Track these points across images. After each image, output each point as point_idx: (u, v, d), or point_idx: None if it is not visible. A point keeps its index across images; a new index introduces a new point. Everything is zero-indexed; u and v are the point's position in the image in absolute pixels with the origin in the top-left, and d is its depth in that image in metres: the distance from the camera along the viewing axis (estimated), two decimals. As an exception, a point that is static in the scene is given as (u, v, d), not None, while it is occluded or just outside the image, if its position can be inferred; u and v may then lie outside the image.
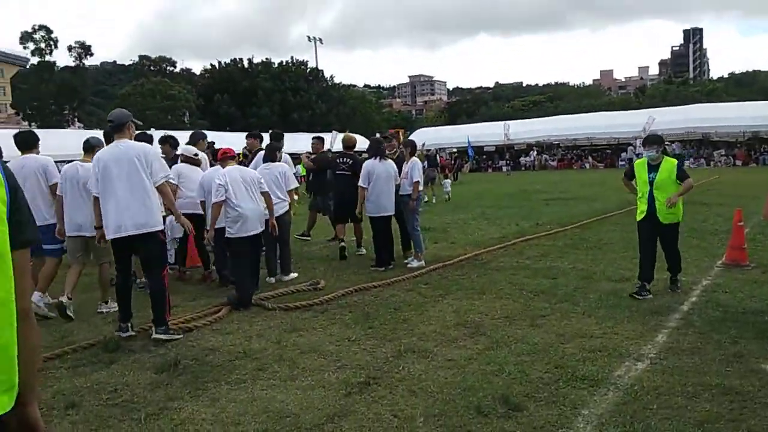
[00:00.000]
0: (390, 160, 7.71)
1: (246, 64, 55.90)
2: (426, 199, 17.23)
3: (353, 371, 4.01)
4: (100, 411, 3.50)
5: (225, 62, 56.87)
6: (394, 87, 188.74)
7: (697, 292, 5.81)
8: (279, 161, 7.35)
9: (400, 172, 7.70)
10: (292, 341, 4.69)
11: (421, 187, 7.77)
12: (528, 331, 4.77)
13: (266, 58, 56.61)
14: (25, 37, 54.18)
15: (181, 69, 67.36)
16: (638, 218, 5.89)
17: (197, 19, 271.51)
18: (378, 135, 9.55)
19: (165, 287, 4.99)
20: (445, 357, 4.23)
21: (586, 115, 44.25)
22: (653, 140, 5.87)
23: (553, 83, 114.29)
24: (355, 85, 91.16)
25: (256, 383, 3.87)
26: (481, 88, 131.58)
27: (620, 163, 36.11)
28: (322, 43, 65.55)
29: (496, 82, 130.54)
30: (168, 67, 65.48)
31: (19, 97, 57.60)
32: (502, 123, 41.04)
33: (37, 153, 6.35)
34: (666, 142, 7.33)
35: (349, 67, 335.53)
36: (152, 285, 5.03)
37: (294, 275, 7.12)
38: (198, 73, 66.15)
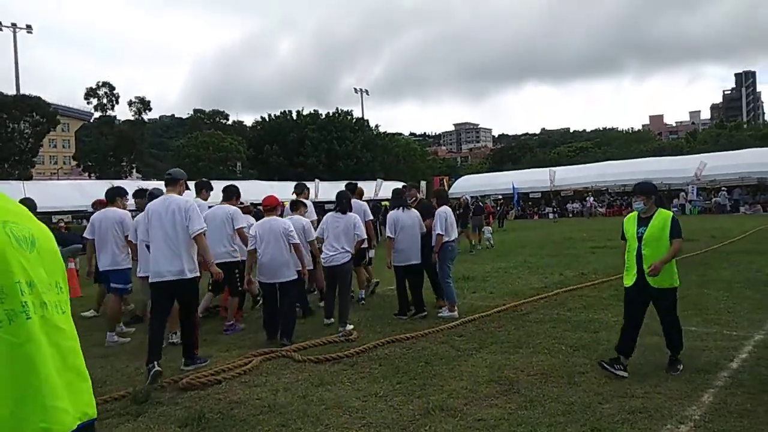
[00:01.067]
0: (414, 210, 7.77)
1: (294, 115, 57.63)
2: (473, 247, 17.10)
3: (377, 430, 3.87)
4: (120, 466, 3.47)
5: (275, 114, 58.80)
6: (440, 135, 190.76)
7: (749, 348, 5.43)
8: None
9: (425, 220, 7.73)
10: (318, 396, 4.59)
11: (449, 238, 7.66)
12: (565, 389, 4.53)
13: (314, 110, 58.22)
14: (90, 94, 57.59)
15: (234, 121, 70.06)
16: (625, 282, 5.00)
17: (252, 74, 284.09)
18: (402, 185, 9.56)
19: (196, 326, 5.67)
20: (474, 417, 4.04)
21: (636, 160, 43.36)
22: (641, 189, 5.02)
23: (600, 129, 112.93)
24: (400, 134, 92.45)
25: (277, 440, 3.79)
26: (527, 134, 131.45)
27: (672, 209, 35.02)
28: (368, 94, 67.15)
29: (543, 129, 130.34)
30: (221, 120, 68.23)
31: (82, 149, 60.84)
32: (547, 169, 40.67)
33: (121, 206, 7.43)
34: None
35: (395, 116, 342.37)
36: (183, 325, 5.62)
37: (350, 327, 6.76)
38: (249, 125, 68.61)
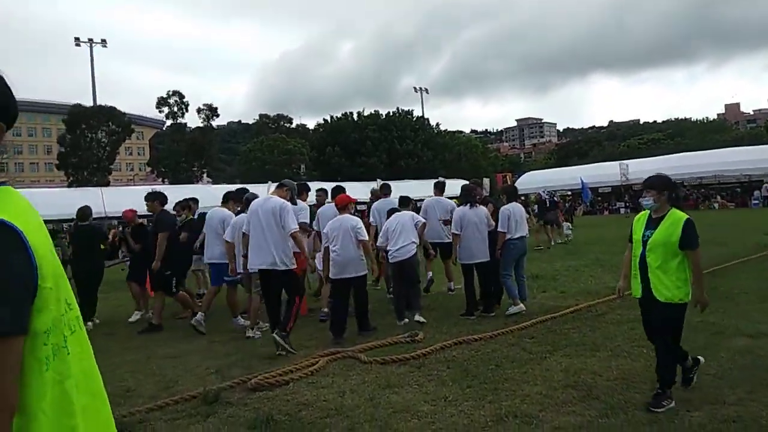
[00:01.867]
0: (482, 207, 7.71)
1: (355, 116, 58.11)
2: (549, 243, 16.68)
3: (448, 436, 3.72)
4: (190, 468, 3.48)
5: (336, 116, 59.49)
6: (501, 131, 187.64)
7: None
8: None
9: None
10: (386, 399, 4.48)
11: (513, 235, 7.51)
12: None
13: (374, 110, 58.50)
14: (161, 102, 60.12)
15: (297, 125, 71.41)
16: (634, 293, 4.36)
17: (314, 78, 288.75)
18: (468, 182, 9.54)
19: (297, 306, 6.21)
20: (551, 424, 3.82)
21: (712, 151, 41.02)
22: (651, 183, 4.19)
23: (673, 119, 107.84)
24: (461, 132, 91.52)
25: (345, 445, 3.70)
26: (593, 128, 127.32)
27: (753, 202, 32.89)
28: (428, 92, 66.93)
29: (611, 121, 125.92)
30: (285, 124, 69.75)
31: (155, 156, 63.64)
32: (617, 163, 39.11)
33: (232, 208, 8.12)
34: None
35: (456, 114, 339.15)
36: (288, 301, 6.26)
37: (422, 318, 7.23)
38: (312, 127, 69.78)
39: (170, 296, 8.09)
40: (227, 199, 8.42)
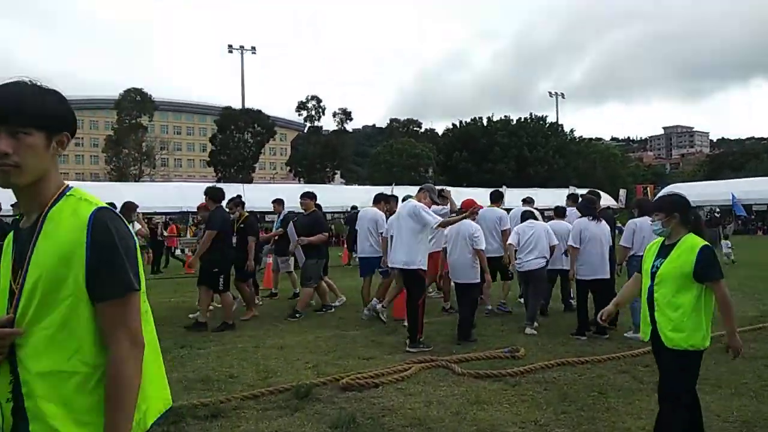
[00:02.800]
0: (603, 222, 7.29)
1: (485, 121, 57.36)
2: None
3: (530, 462, 3.51)
4: (269, 459, 3.59)
5: (465, 121, 59.14)
6: (646, 139, 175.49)
7: None
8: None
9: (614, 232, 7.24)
10: (472, 415, 4.33)
11: (638, 252, 6.93)
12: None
13: (505, 116, 57.34)
14: (300, 106, 63.58)
15: (426, 129, 72.04)
16: (642, 336, 3.69)
17: (449, 83, 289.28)
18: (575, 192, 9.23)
19: (418, 309, 6.45)
20: (648, 464, 3.46)
21: None
22: (659, 204, 3.59)
23: None
24: (600, 139, 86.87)
25: (421, 457, 3.62)
26: (752, 138, 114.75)
27: None
28: (563, 97, 64.41)
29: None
30: (414, 128, 70.65)
31: (294, 157, 67.36)
32: (777, 178, 34.90)
33: (382, 208, 9.03)
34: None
35: (595, 120, 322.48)
36: (407, 309, 6.68)
37: (533, 332, 7.25)
38: (441, 132, 70.00)
39: (217, 293, 8.11)
40: (378, 200, 9.38)
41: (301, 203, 9.22)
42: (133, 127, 58.75)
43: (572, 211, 8.86)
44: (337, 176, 69.51)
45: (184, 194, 34.96)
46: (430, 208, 6.80)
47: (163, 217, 32.80)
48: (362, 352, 6.32)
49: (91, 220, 1.45)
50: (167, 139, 79.11)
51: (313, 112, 63.73)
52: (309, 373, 5.50)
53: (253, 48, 58.39)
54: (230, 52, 58.07)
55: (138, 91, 59.07)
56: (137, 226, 9.53)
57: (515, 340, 6.77)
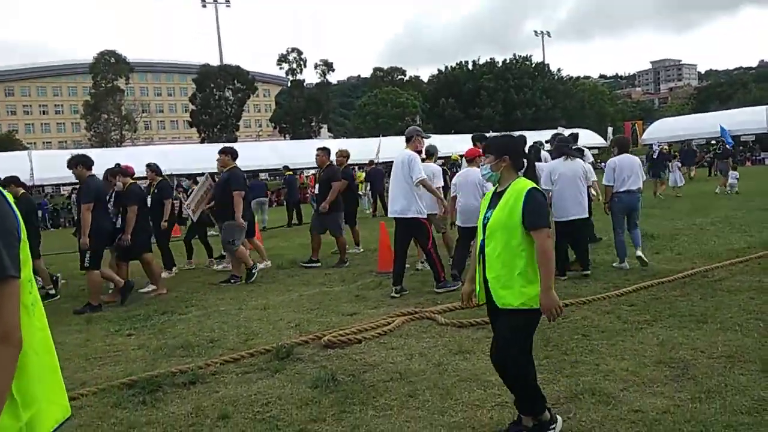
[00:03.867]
0: (578, 160, 7.19)
1: (470, 65, 56.37)
2: (657, 197, 15.43)
3: (512, 410, 3.44)
4: (246, 426, 3.51)
5: (451, 66, 58.09)
6: (634, 75, 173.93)
7: None
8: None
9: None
10: (454, 365, 4.27)
11: (619, 189, 7.17)
12: (757, 378, 3.64)
13: (490, 58, 56.32)
14: (281, 59, 62.11)
15: (411, 77, 70.80)
16: (479, 298, 3.22)
17: (435, 26, 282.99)
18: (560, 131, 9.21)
19: (431, 254, 6.72)
20: (631, 406, 3.40)
21: None
22: (486, 145, 3.29)
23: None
24: (588, 77, 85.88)
25: (401, 412, 3.55)
26: (740, 68, 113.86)
27: None
28: (549, 36, 63.38)
29: (761, 60, 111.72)
30: (399, 77, 69.41)
31: (277, 113, 66.29)
32: (764, 108, 34.69)
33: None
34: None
35: (582, 58, 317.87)
36: (424, 254, 7.03)
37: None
38: (426, 79, 68.87)
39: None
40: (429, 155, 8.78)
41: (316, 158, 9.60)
42: (110, 90, 57.41)
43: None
44: (324, 130, 68.67)
45: (168, 157, 34.45)
46: (421, 155, 7.11)
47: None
48: (346, 308, 6.24)
49: None
50: (147, 101, 77.47)
51: (295, 65, 62.36)
52: (291, 333, 5.42)
53: (227, 0, 56.51)
54: (204, 6, 56.22)
55: (112, 53, 57.45)
56: None
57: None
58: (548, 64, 58.46)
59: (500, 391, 3.75)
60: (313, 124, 63.48)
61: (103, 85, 57.30)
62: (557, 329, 4.94)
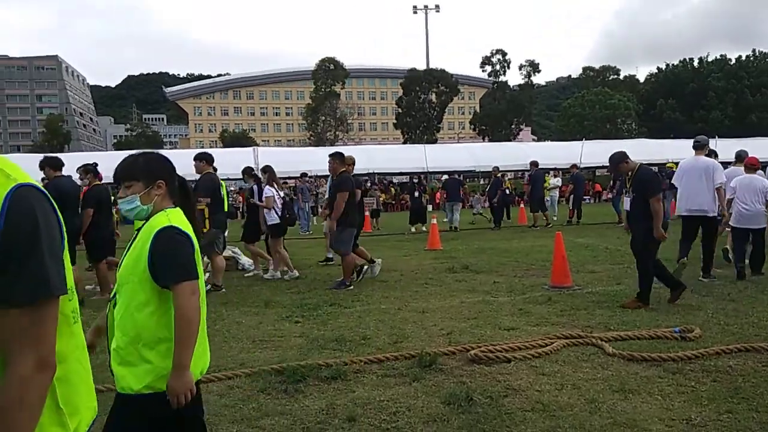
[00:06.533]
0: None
1: (696, 63, 50.38)
2: None
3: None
4: (369, 432, 3.43)
5: (672, 64, 52.60)
6: None
7: None
8: None
9: None
10: (610, 405, 3.70)
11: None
12: None
13: (721, 55, 49.69)
14: (485, 62, 61.97)
15: (624, 76, 65.65)
16: None
17: (655, 20, 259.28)
18: None
19: (709, 252, 7.51)
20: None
21: None
22: (125, 172, 2.25)
23: None
24: None
25: (534, 450, 3.17)
26: None
27: None
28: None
29: None
30: (611, 76, 64.80)
31: (477, 115, 66.33)
32: None
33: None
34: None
35: None
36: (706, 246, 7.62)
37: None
38: (642, 79, 63.33)
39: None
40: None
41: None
42: (328, 94, 62.65)
43: None
44: (525, 132, 66.98)
45: (370, 156, 36.54)
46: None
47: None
48: (505, 321, 5.87)
49: (7, 199, 1.16)
50: (360, 104, 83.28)
51: (498, 67, 61.77)
52: (441, 341, 5.24)
53: (437, 6, 58.03)
54: (415, 12, 58.47)
55: (332, 60, 62.63)
56: (270, 191, 8.95)
57: (694, 318, 5.74)
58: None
59: (660, 445, 3.15)
60: (513, 126, 62.27)
61: (322, 89, 62.82)
62: (752, 378, 4.04)
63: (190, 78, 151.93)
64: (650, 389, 3.94)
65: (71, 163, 8.88)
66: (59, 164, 7.60)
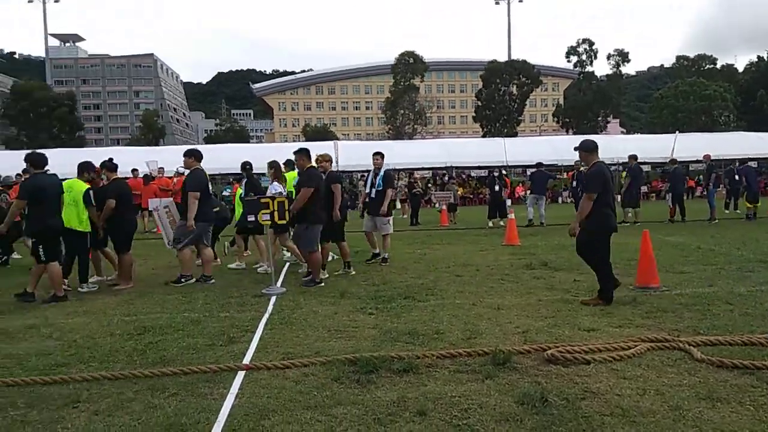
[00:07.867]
0: None
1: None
2: None
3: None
4: (439, 428, 3.39)
5: (778, 51, 48.56)
6: None
7: None
8: None
9: None
10: (696, 413, 3.48)
11: None
12: None
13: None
14: (571, 52, 59.82)
15: (722, 66, 61.37)
16: None
17: (759, 5, 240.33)
18: None
19: None
20: None
21: None
22: None
23: None
24: None
25: (611, 456, 3.04)
26: None
27: None
28: None
29: None
30: (707, 65, 60.80)
31: (560, 107, 64.25)
32: None
33: None
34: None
35: None
36: None
37: None
38: (741, 68, 58.98)
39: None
40: None
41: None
42: (407, 88, 62.70)
43: None
44: (614, 125, 64.17)
45: (448, 150, 36.32)
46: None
47: (429, 172, 34.57)
48: (585, 321, 5.66)
49: None
50: (439, 97, 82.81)
51: (584, 57, 59.48)
52: (516, 339, 5.13)
53: (520, -4, 56.55)
54: (497, 3, 57.35)
55: (411, 54, 62.55)
56: (276, 187, 9.18)
57: (795, 324, 5.31)
58: None
59: (752, 460, 2.94)
60: (599, 118, 59.81)
61: (401, 83, 62.95)
62: None
63: (276, 74, 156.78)
64: (741, 398, 3.68)
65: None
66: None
